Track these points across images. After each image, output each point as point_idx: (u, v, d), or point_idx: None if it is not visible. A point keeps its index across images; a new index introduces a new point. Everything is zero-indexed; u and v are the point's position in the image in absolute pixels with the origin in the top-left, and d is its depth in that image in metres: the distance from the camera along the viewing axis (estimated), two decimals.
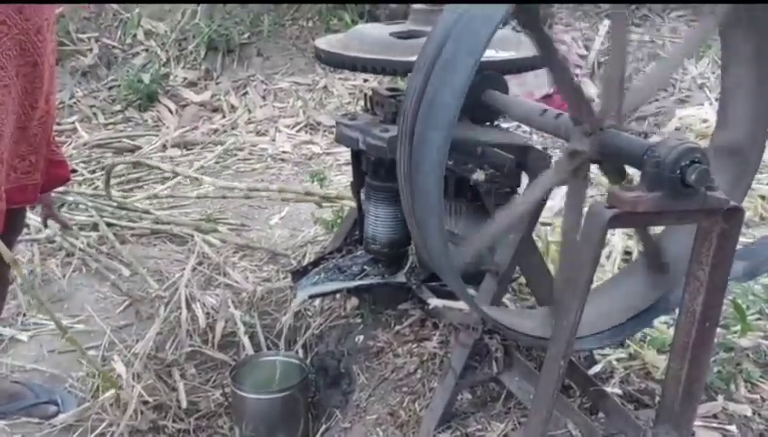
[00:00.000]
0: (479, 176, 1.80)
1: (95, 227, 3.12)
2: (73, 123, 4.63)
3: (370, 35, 2.05)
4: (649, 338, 2.09)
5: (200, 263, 2.88)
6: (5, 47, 1.76)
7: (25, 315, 2.59)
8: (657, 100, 4.93)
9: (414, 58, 1.74)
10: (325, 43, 2.10)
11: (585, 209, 1.45)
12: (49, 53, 1.90)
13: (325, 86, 5.15)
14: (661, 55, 5.43)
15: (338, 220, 2.85)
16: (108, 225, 3.13)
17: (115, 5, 5.49)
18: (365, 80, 5.12)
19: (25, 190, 1.99)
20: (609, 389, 1.88)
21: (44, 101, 1.92)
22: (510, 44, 1.95)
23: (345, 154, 4.15)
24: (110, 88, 5.09)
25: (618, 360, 2.05)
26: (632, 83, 1.56)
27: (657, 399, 1.85)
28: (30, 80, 1.84)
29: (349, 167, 3.87)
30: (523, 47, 1.97)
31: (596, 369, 1.99)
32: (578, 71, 4.98)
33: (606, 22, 6.07)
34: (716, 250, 1.37)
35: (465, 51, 1.35)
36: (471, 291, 1.67)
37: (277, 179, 3.92)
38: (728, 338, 2.06)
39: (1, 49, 1.75)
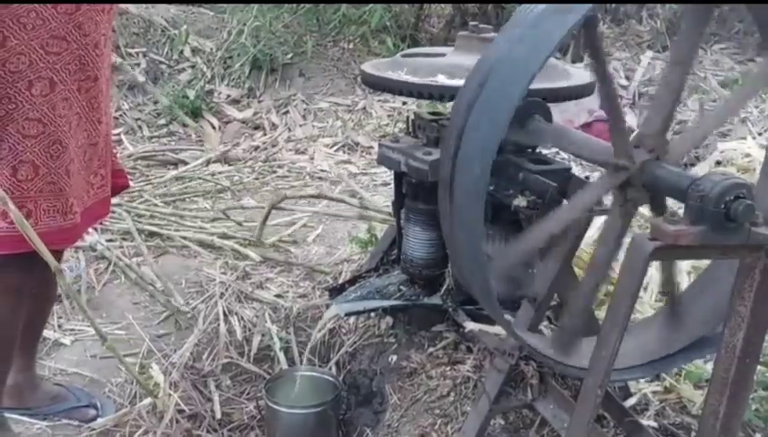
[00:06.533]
0: (520, 202, 1.81)
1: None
2: (118, 135, 4.75)
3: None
4: (685, 372, 2.07)
5: (239, 277, 2.93)
6: (65, 62, 1.83)
7: (69, 319, 2.66)
8: None
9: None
10: (369, 66, 2.15)
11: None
12: (106, 67, 1.98)
13: (364, 108, 5.22)
14: (703, 86, 5.39)
15: (373, 239, 2.89)
16: (151, 235, 3.21)
17: (163, 21, 5.66)
18: (404, 103, 5.17)
19: (104, 204, 2.06)
20: (644, 421, 1.86)
21: (104, 113, 1.99)
22: (554, 73, 1.97)
23: (381, 175, 4.19)
24: (155, 102, 5.22)
25: (653, 392, 2.03)
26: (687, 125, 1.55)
27: (693, 434, 1.83)
28: (93, 95, 1.91)
29: (386, 188, 3.92)
30: (568, 76, 2.00)
31: (631, 401, 1.98)
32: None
33: (648, 53, 6.04)
34: (759, 286, 1.36)
35: (519, 75, 1.38)
36: (508, 317, 1.68)
37: None
38: (767, 376, 2.03)
39: (61, 63, 1.83)
